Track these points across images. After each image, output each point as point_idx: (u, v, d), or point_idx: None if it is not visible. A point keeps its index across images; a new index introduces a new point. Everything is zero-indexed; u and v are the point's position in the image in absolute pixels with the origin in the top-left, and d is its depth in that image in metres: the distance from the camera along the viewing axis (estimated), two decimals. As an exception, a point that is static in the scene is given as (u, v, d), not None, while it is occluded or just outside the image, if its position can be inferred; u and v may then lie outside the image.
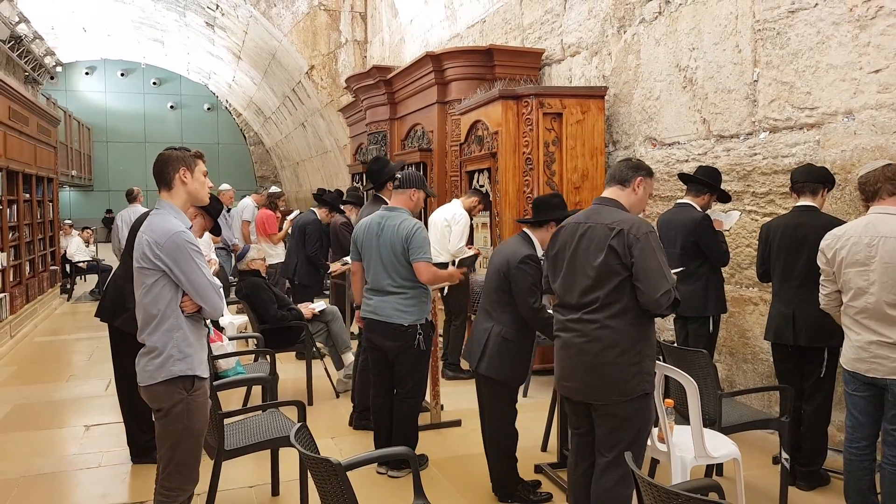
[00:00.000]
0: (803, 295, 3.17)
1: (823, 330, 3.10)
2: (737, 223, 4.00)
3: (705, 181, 3.82)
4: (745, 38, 4.22)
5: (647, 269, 2.27)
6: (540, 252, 3.10)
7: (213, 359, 3.80)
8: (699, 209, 3.80)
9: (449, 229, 5.11)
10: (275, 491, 3.29)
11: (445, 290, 5.10)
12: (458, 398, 4.73)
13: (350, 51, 11.19)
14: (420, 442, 3.60)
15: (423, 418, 4.02)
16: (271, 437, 3.01)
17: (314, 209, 6.51)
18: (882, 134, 3.41)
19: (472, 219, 5.37)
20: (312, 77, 11.11)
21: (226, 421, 2.94)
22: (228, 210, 8.46)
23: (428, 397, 4.14)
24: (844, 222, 2.94)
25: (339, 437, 4.08)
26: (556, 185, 5.17)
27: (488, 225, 5.69)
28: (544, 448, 3.76)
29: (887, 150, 3.34)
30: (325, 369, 5.03)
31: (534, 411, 3.18)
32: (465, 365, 5.33)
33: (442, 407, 4.28)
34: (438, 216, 5.33)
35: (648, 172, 2.53)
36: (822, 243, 2.82)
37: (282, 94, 13.44)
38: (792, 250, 3.25)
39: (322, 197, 6.62)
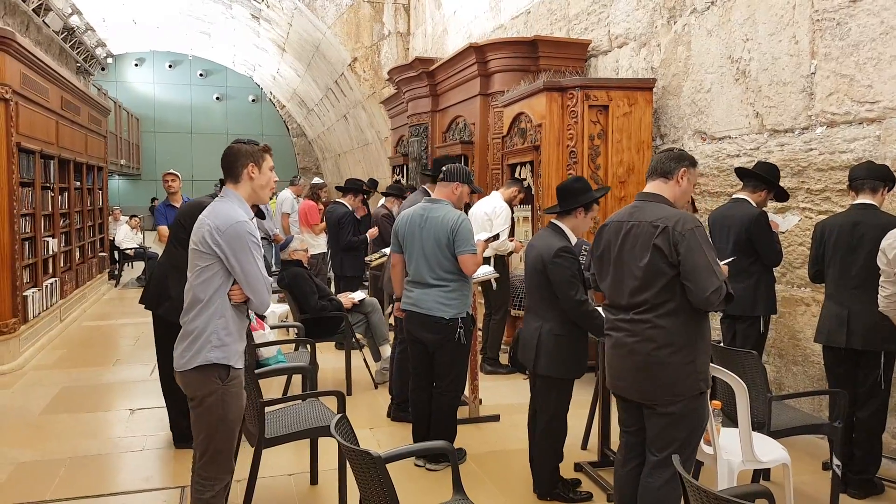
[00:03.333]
0: (859, 296, 3.04)
1: (879, 333, 2.97)
2: (795, 227, 3.86)
3: (764, 177, 3.69)
4: (803, 28, 4.06)
5: (695, 267, 2.19)
6: (573, 240, 3.04)
7: (254, 347, 3.85)
8: (755, 205, 3.68)
9: (490, 223, 5.06)
10: (314, 480, 3.32)
11: (494, 285, 5.04)
12: (497, 393, 4.71)
13: (393, 43, 11.19)
14: (458, 436, 3.58)
15: (462, 412, 3.99)
16: (311, 427, 3.03)
17: (340, 200, 6.55)
18: (950, 129, 3.24)
19: (512, 210, 5.30)
20: (355, 69, 11.16)
21: (266, 409, 2.97)
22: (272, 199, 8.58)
23: (467, 391, 4.12)
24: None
25: (377, 428, 4.10)
26: (601, 179, 5.07)
27: (530, 219, 5.63)
28: (584, 447, 3.71)
29: (956, 146, 3.17)
30: (364, 360, 5.06)
31: (574, 409, 3.12)
32: (504, 360, 5.29)
33: (480, 401, 4.25)
34: (479, 209, 5.29)
35: (692, 162, 2.44)
36: (884, 243, 2.70)
37: (324, 86, 13.55)
38: (849, 250, 3.12)
39: (344, 186, 6.68)
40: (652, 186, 2.46)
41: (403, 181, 8.19)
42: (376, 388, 4.89)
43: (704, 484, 1.71)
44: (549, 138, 5.11)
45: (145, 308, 3.76)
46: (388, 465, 1.86)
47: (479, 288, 5.17)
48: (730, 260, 2.92)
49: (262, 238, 6.57)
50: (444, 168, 3.54)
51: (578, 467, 3.42)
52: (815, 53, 3.99)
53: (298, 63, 13.97)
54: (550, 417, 3.08)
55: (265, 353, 4.11)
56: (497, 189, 5.55)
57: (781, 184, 3.79)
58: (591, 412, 3.71)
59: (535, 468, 3.15)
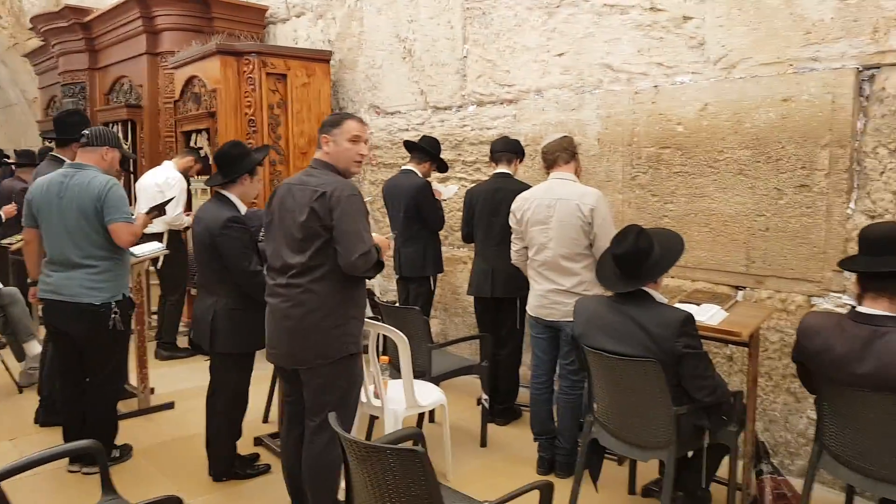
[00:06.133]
0: (500, 253, 3.48)
1: (515, 283, 3.46)
2: (455, 195, 4.25)
3: (428, 150, 4.01)
4: (457, 15, 4.48)
5: (345, 232, 2.27)
6: (243, 209, 2.93)
7: None
8: (421, 176, 3.97)
9: (162, 195, 4.62)
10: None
11: (161, 263, 4.63)
12: (174, 379, 4.37)
13: (38, -14, 9.42)
14: (125, 431, 3.26)
15: (130, 405, 3.65)
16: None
17: None
18: (563, 111, 3.89)
19: (189, 182, 4.93)
20: (-13, 13, 9.14)
21: None
22: None
23: (135, 381, 3.74)
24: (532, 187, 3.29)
25: (21, 438, 3.48)
26: (283, 150, 5.01)
27: (208, 191, 5.29)
28: (266, 419, 3.66)
29: (566, 125, 3.82)
30: (3, 361, 4.25)
31: (255, 384, 3.05)
32: (182, 343, 4.94)
33: (152, 391, 3.90)
34: (148, 181, 4.81)
35: (332, 123, 2.42)
36: (513, 205, 3.14)
37: (-55, 30, 10.84)
38: (491, 213, 3.56)
39: None
40: (316, 155, 2.49)
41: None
42: (21, 391, 4.14)
43: (374, 436, 1.81)
44: (225, 105, 4.86)
45: None
46: (28, 476, 1.56)
47: (154, 267, 4.73)
48: (392, 235, 3.10)
49: None
50: (86, 132, 3.08)
51: (258, 441, 3.37)
52: (466, 39, 4.44)
53: None
54: (232, 394, 2.97)
55: None
56: (171, 159, 5.10)
57: (443, 156, 4.16)
58: (272, 384, 3.67)
59: (212, 449, 3.01)
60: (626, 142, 3.57)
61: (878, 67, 2.69)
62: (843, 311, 2.34)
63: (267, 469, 3.09)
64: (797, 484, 2.66)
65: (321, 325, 2.32)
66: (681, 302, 2.75)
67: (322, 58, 5.23)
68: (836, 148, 2.80)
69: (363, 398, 2.84)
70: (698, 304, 2.75)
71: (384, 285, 4.84)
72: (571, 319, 2.72)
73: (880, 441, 2.11)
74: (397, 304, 3.99)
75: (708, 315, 2.66)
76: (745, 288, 3.15)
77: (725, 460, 2.60)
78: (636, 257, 2.40)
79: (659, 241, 2.46)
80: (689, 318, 2.34)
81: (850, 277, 2.67)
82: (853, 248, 2.61)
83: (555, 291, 2.97)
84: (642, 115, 3.48)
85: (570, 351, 2.97)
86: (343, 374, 2.39)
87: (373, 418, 3.25)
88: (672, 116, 3.36)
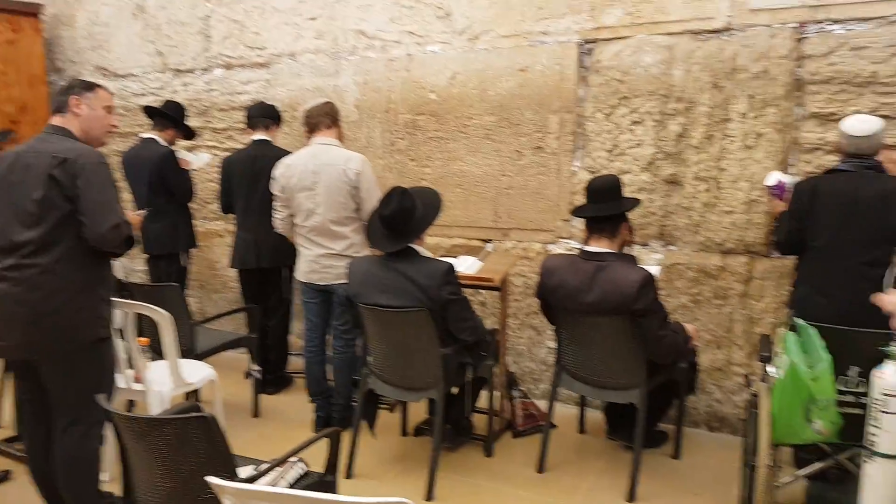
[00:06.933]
0: (264, 222, 3.38)
1: (282, 251, 3.41)
2: (207, 165, 3.97)
3: (170, 115, 3.69)
4: (194, -31, 4.16)
5: (94, 202, 2.03)
6: None
7: None
8: (165, 144, 3.65)
9: None
10: None
11: None
12: None
13: None
14: None
15: None
16: None
17: None
18: (320, 76, 3.87)
19: None
20: None
21: None
22: None
23: None
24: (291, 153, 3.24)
25: None
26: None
27: None
28: (-4, 426, 3.13)
29: (324, 90, 3.81)
30: None
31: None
32: None
33: None
34: None
35: (85, 86, 2.21)
36: (276, 172, 3.06)
37: None
38: (252, 181, 3.43)
39: None
40: (53, 120, 2.19)
41: None
42: None
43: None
44: None
45: None
46: None
47: None
48: (144, 212, 2.83)
49: None
50: None
51: (-9, 451, 2.87)
52: (209, -3, 4.15)
53: None
54: None
55: None
56: None
57: (189, 123, 3.87)
58: (1, 386, 3.13)
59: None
60: (383, 108, 3.70)
61: (595, 42, 3.18)
62: (574, 253, 2.75)
63: (6, 475, 2.69)
64: (542, 405, 3.11)
65: (65, 309, 2.05)
66: (441, 257, 2.98)
67: (30, 11, 4.52)
68: (564, 113, 3.26)
69: (123, 384, 2.60)
70: (456, 258, 3.02)
71: (129, 266, 4.38)
72: (344, 282, 2.80)
73: (603, 356, 2.57)
74: (149, 283, 3.66)
75: (465, 265, 2.95)
76: (493, 241, 3.52)
77: (484, 392, 2.92)
78: (402, 216, 2.55)
79: (420, 199, 2.64)
80: (451, 267, 2.56)
81: (578, 224, 3.15)
82: (579, 200, 3.07)
83: (326, 256, 2.99)
84: (398, 83, 3.63)
85: (342, 312, 3.03)
86: (94, 361, 2.14)
87: (130, 404, 2.99)
88: (425, 84, 3.56)
